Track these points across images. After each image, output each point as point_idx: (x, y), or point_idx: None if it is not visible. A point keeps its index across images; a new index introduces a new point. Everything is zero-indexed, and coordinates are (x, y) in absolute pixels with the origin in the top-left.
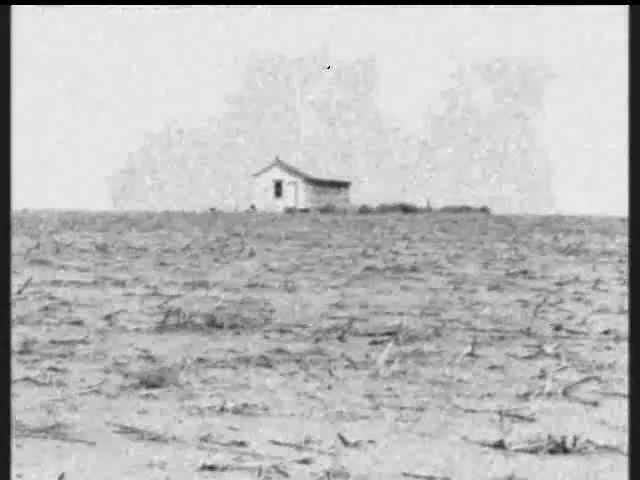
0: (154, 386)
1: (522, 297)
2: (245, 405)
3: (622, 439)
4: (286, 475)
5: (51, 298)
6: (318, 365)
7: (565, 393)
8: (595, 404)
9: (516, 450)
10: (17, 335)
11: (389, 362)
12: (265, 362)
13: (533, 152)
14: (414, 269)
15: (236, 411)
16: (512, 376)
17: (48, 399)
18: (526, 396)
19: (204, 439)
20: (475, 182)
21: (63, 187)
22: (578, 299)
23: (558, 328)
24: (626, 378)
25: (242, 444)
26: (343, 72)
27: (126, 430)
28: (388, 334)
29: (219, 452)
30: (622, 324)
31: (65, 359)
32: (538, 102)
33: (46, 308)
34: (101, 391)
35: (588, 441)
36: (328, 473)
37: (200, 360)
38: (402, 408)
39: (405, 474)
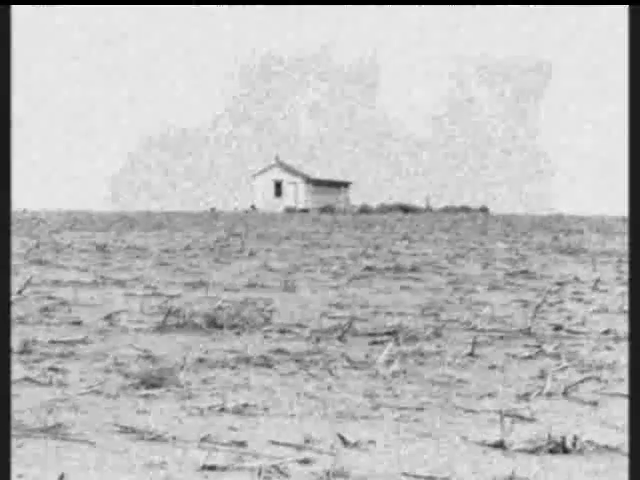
0: (154, 386)
1: (522, 297)
2: (245, 405)
3: (622, 439)
4: (286, 475)
5: (51, 298)
6: (318, 365)
7: (565, 393)
8: (595, 404)
9: (516, 450)
10: (17, 335)
11: (389, 362)
12: (265, 362)
13: (533, 152)
14: (414, 269)
15: (236, 411)
16: (512, 376)
17: (48, 399)
18: (526, 396)
19: (204, 439)
20: (475, 182)
21: (63, 187)
22: (578, 299)
23: (558, 328)
24: (626, 378)
25: (242, 444)
26: (344, 72)
27: (126, 430)
28: (388, 334)
29: (219, 452)
30: (622, 324)
31: (65, 359)
32: (538, 102)
33: (46, 308)
34: (101, 391)
35: (588, 441)
36: (328, 473)
37: (200, 360)
38: (402, 408)
39: (405, 474)
